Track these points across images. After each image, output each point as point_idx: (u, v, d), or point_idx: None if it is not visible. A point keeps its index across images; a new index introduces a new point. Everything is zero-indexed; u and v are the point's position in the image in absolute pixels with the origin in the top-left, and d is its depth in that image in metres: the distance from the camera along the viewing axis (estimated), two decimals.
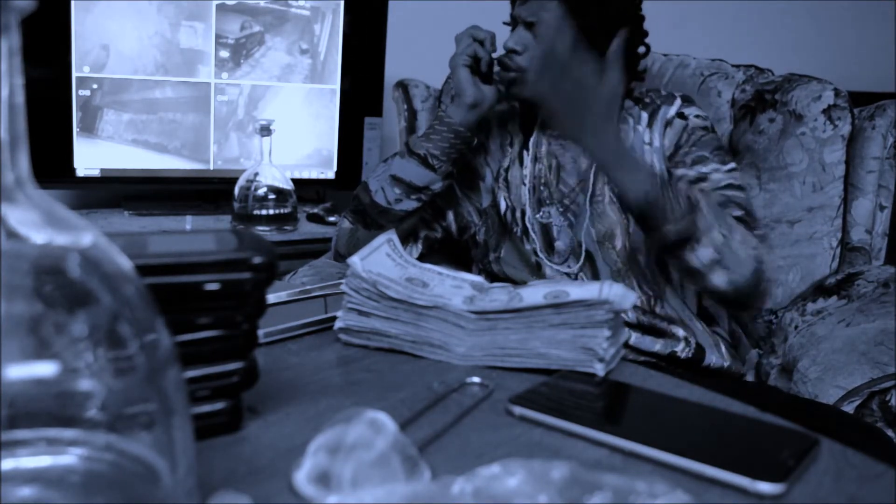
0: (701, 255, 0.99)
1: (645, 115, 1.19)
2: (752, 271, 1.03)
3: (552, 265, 1.18)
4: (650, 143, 1.17)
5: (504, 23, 1.18)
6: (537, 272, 1.20)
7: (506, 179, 1.24)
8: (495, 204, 1.24)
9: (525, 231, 1.20)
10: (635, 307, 1.14)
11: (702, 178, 1.12)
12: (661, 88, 1.25)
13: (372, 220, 1.19)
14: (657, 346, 1.11)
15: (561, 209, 1.18)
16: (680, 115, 1.18)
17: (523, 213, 1.21)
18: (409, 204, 1.18)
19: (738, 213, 1.08)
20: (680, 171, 1.14)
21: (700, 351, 1.13)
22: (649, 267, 1.16)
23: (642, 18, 1.18)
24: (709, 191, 1.10)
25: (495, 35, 1.16)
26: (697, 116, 1.18)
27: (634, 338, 1.11)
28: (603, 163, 1.00)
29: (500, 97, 1.21)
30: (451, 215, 1.28)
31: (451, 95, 1.35)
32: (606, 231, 1.15)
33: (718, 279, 1.01)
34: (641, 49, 1.19)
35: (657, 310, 1.15)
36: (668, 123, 1.18)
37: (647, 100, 1.21)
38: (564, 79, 0.96)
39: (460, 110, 1.16)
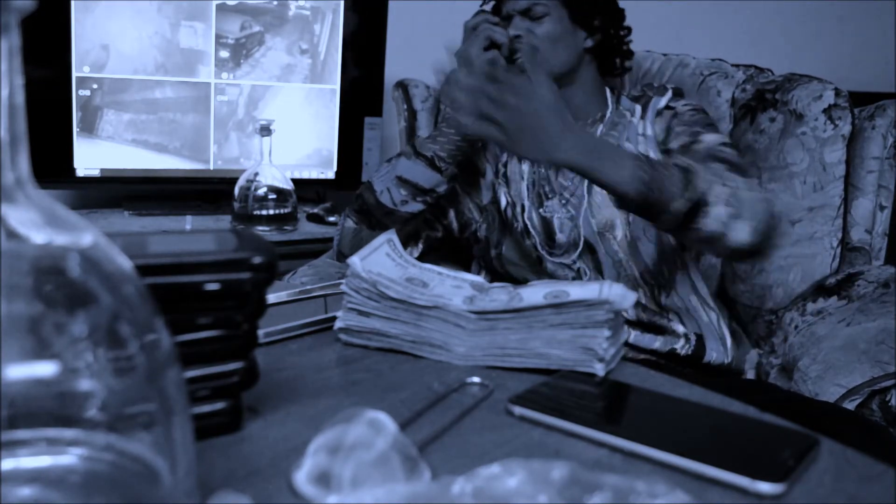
0: (715, 214, 0.95)
1: (638, 108, 1.23)
2: (767, 212, 1.00)
3: (553, 259, 1.19)
4: (643, 134, 1.19)
5: (497, 22, 1.18)
6: (538, 266, 1.20)
7: (505, 175, 1.24)
8: (496, 200, 1.25)
9: (525, 227, 1.21)
10: (637, 304, 1.14)
11: (694, 142, 1.13)
12: (653, 82, 1.30)
13: (377, 220, 1.19)
14: (657, 343, 1.11)
15: (562, 202, 1.19)
16: (668, 107, 1.21)
17: (523, 209, 1.21)
18: (415, 206, 1.18)
19: (726, 165, 1.06)
20: (672, 144, 1.16)
21: (700, 347, 1.13)
22: (652, 256, 1.16)
23: (621, 15, 1.25)
24: (698, 150, 1.11)
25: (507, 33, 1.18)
26: (686, 105, 1.22)
27: (634, 335, 1.11)
28: (582, 168, 0.94)
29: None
30: (452, 213, 1.28)
31: None
32: (607, 221, 1.16)
33: (741, 232, 0.97)
34: (630, 39, 1.26)
35: (662, 300, 1.16)
36: (658, 113, 1.21)
37: (639, 93, 1.25)
38: (496, 108, 0.93)
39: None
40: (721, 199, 0.95)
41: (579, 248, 1.17)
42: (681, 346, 1.12)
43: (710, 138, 1.14)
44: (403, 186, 1.17)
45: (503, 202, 1.24)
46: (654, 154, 1.17)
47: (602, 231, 1.16)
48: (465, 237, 1.30)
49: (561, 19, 1.18)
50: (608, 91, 1.27)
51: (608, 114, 1.23)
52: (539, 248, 1.19)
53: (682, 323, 1.15)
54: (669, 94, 1.24)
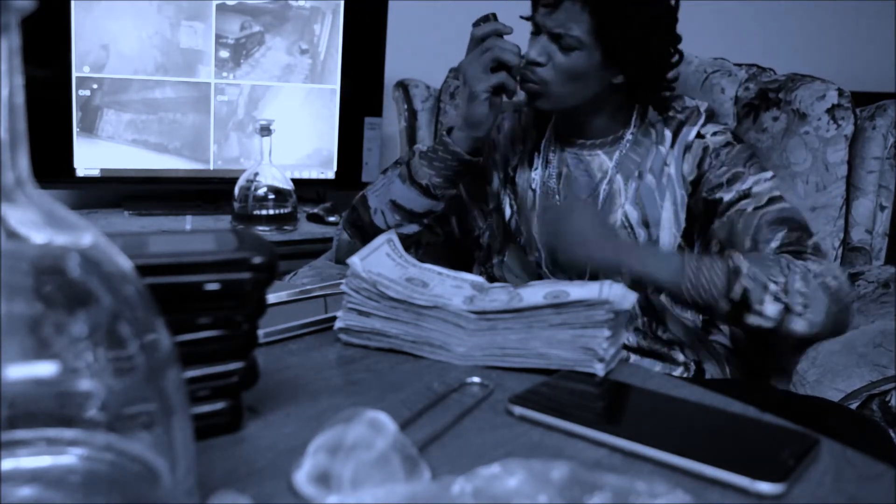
0: (767, 313, 0.95)
1: (668, 134, 1.13)
2: (827, 303, 0.96)
3: (555, 279, 1.14)
4: (668, 166, 1.12)
5: (523, 17, 1.10)
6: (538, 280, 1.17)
7: (513, 181, 1.19)
8: (500, 209, 1.20)
9: (529, 241, 1.17)
10: (636, 330, 1.11)
11: (744, 196, 1.07)
12: (684, 97, 1.18)
13: (371, 238, 1.16)
14: (656, 367, 1.10)
15: None
16: (699, 135, 1.12)
17: (528, 223, 1.17)
18: (410, 228, 1.15)
19: (784, 230, 1.03)
20: (718, 195, 1.08)
21: (700, 373, 1.12)
22: (650, 295, 1.12)
23: (677, 38, 1.12)
24: (750, 213, 1.05)
25: (521, 51, 1.07)
26: (715, 134, 1.12)
27: (633, 359, 1.10)
28: (628, 270, 0.97)
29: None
30: (454, 220, 1.25)
31: (455, 107, 1.30)
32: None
33: (797, 325, 0.96)
34: (675, 58, 1.13)
35: (659, 333, 1.12)
36: (687, 147, 1.12)
37: (672, 113, 1.14)
38: (564, 229, 1.00)
39: (469, 140, 1.11)
40: (773, 298, 0.94)
41: (586, 276, 1.12)
42: (680, 373, 1.10)
43: (759, 187, 1.07)
44: (397, 211, 1.14)
45: (507, 212, 1.19)
46: (678, 190, 1.11)
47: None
48: (468, 241, 1.27)
49: (591, 56, 1.05)
50: (636, 108, 1.16)
51: (629, 133, 1.14)
52: (542, 265, 1.16)
53: (683, 352, 1.12)
54: (702, 120, 1.13)
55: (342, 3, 1.82)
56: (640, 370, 0.73)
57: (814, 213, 1.36)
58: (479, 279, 0.79)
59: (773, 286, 0.95)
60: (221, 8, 1.73)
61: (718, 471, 0.50)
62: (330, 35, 1.84)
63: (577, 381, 0.67)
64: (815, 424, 0.59)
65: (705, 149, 1.11)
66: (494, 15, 1.09)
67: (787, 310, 0.95)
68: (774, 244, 1.02)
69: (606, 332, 0.68)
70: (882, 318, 1.15)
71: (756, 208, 1.05)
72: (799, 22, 2.47)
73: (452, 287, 0.76)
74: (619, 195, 1.13)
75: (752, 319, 0.95)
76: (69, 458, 0.33)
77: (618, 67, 1.07)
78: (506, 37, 1.07)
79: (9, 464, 0.32)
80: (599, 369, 0.68)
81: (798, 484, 0.51)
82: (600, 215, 1.06)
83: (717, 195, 1.08)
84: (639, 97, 1.14)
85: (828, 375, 1.09)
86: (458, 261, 1.31)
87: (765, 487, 0.49)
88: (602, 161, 1.15)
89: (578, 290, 0.70)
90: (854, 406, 1.03)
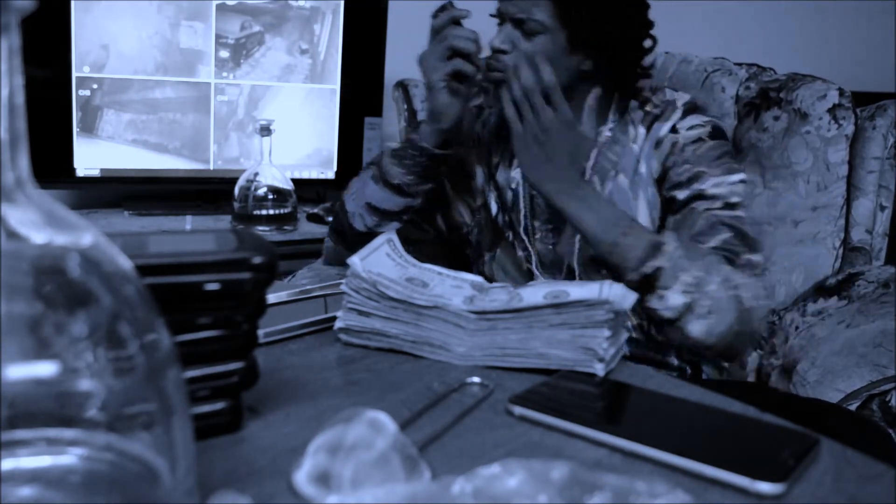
0: (669, 301, 0.91)
1: (642, 131, 1.09)
2: (735, 316, 0.92)
3: (544, 278, 1.13)
4: (640, 163, 1.08)
5: (490, 15, 1.08)
6: (530, 278, 1.14)
7: (495, 179, 1.18)
8: (487, 206, 1.19)
9: (517, 237, 1.16)
10: (629, 340, 1.07)
11: (698, 196, 1.02)
12: (665, 89, 1.13)
13: (352, 243, 1.14)
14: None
15: (549, 227, 1.13)
16: (673, 129, 1.07)
17: (516, 220, 1.16)
18: (390, 226, 1.13)
19: (726, 235, 0.98)
20: (674, 193, 1.05)
21: (697, 373, 1.11)
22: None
23: (649, 24, 1.08)
24: (700, 212, 1.01)
25: (479, 37, 1.05)
26: (692, 128, 1.06)
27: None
28: (562, 209, 0.99)
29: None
30: (439, 217, 1.24)
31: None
32: (591, 254, 1.08)
33: (694, 327, 0.91)
34: (648, 43, 1.09)
35: (653, 332, 1.08)
36: (658, 143, 1.08)
37: (649, 107, 1.10)
38: (538, 120, 0.96)
39: (436, 133, 1.09)
40: (682, 288, 0.90)
41: (563, 273, 1.12)
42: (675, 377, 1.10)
43: (718, 189, 1.02)
44: (374, 213, 1.14)
45: (494, 209, 1.18)
46: (644, 195, 1.08)
47: (586, 264, 1.09)
48: (456, 238, 1.25)
49: (556, 41, 1.02)
50: (613, 103, 1.11)
51: (606, 130, 1.10)
52: (531, 261, 1.14)
53: (678, 355, 1.09)
54: (678, 114, 1.08)
55: (342, 3, 1.82)
56: (640, 370, 0.73)
57: (815, 213, 1.36)
58: (479, 279, 0.79)
59: (686, 277, 0.91)
60: (221, 8, 1.73)
61: (718, 471, 0.50)
62: (330, 35, 1.84)
63: (577, 381, 0.67)
64: (815, 425, 0.59)
65: (674, 144, 1.06)
66: (451, 3, 1.07)
67: (690, 307, 0.91)
68: (712, 244, 0.98)
69: (606, 332, 0.68)
70: (882, 318, 1.16)
71: (707, 209, 1.01)
72: (799, 22, 2.47)
73: (452, 287, 0.76)
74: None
75: (654, 302, 0.92)
76: (69, 458, 0.33)
77: (584, 52, 1.04)
78: (467, 23, 1.05)
79: (9, 464, 0.32)
80: (599, 369, 0.68)
81: (798, 484, 0.51)
82: (578, 149, 1.01)
83: (673, 193, 1.05)
84: (612, 87, 1.10)
85: (828, 376, 1.09)
86: (457, 261, 1.31)
87: (765, 487, 0.49)
88: None
89: (578, 290, 0.70)
90: (854, 406, 1.03)
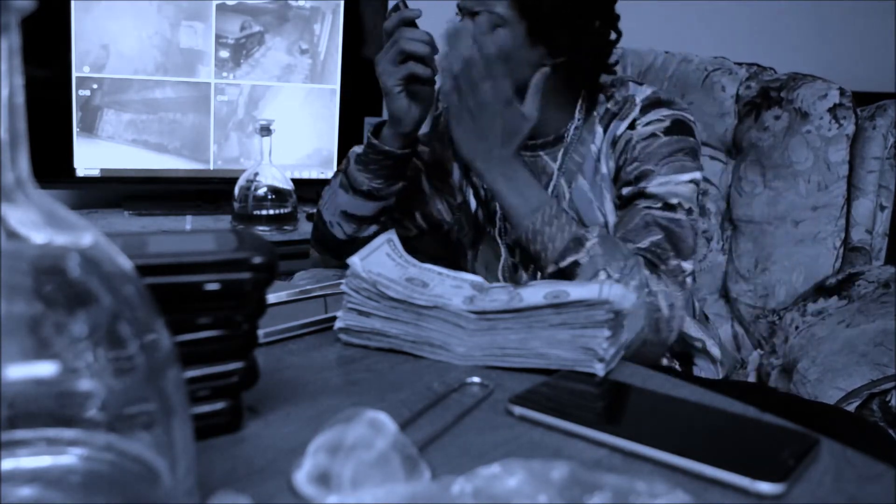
0: None
1: (600, 132, 1.07)
2: (645, 324, 0.89)
3: (527, 274, 1.12)
4: (600, 163, 1.07)
5: (457, 13, 1.07)
6: (514, 275, 1.14)
7: (470, 175, 1.17)
8: (466, 203, 1.19)
9: (500, 232, 1.14)
10: None
11: (639, 194, 1.00)
12: (629, 83, 1.09)
13: (335, 251, 1.15)
14: None
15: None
16: (631, 125, 1.04)
17: (496, 214, 1.14)
18: (370, 230, 1.14)
19: (657, 237, 0.96)
20: (622, 191, 1.03)
21: (689, 368, 1.11)
22: None
23: (614, 17, 1.05)
24: (639, 210, 0.99)
25: (433, 39, 1.04)
26: (649, 124, 1.03)
27: None
28: (489, 186, 0.98)
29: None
30: (418, 215, 1.23)
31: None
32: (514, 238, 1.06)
33: None
34: (612, 36, 1.06)
35: None
36: (614, 142, 1.05)
37: (610, 104, 1.07)
38: (474, 94, 0.93)
39: (398, 137, 1.08)
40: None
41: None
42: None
43: (660, 189, 0.99)
44: (350, 220, 1.13)
45: (473, 205, 1.17)
46: (609, 196, 1.05)
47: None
48: (438, 236, 1.24)
49: (516, 33, 1.00)
50: (580, 100, 1.09)
51: (572, 129, 1.08)
52: (515, 256, 1.13)
53: (668, 350, 1.07)
54: (635, 112, 1.04)
55: (342, 3, 1.82)
56: (640, 370, 0.73)
57: (815, 213, 1.36)
58: (479, 279, 0.79)
59: (603, 276, 0.89)
60: (221, 8, 1.73)
61: (718, 471, 0.50)
62: (330, 35, 1.84)
63: (577, 381, 0.67)
64: (815, 426, 0.59)
65: (627, 142, 1.04)
66: (404, 2, 1.05)
67: None
68: (640, 245, 0.96)
69: (606, 332, 0.68)
70: (882, 318, 1.16)
71: (647, 208, 0.99)
72: (799, 22, 2.47)
73: (452, 287, 0.76)
74: (562, 200, 1.09)
75: None
76: (69, 458, 0.33)
77: (545, 45, 1.02)
78: (428, 53, 1.03)
79: (9, 464, 0.32)
80: (599, 369, 0.68)
81: (798, 484, 0.50)
82: (514, 128, 0.97)
83: (620, 191, 1.04)
84: (575, 83, 1.07)
85: (828, 374, 1.09)
86: (447, 253, 1.30)
87: (765, 487, 0.49)
88: (546, 163, 1.11)
89: (578, 290, 0.70)
90: (855, 405, 1.03)
